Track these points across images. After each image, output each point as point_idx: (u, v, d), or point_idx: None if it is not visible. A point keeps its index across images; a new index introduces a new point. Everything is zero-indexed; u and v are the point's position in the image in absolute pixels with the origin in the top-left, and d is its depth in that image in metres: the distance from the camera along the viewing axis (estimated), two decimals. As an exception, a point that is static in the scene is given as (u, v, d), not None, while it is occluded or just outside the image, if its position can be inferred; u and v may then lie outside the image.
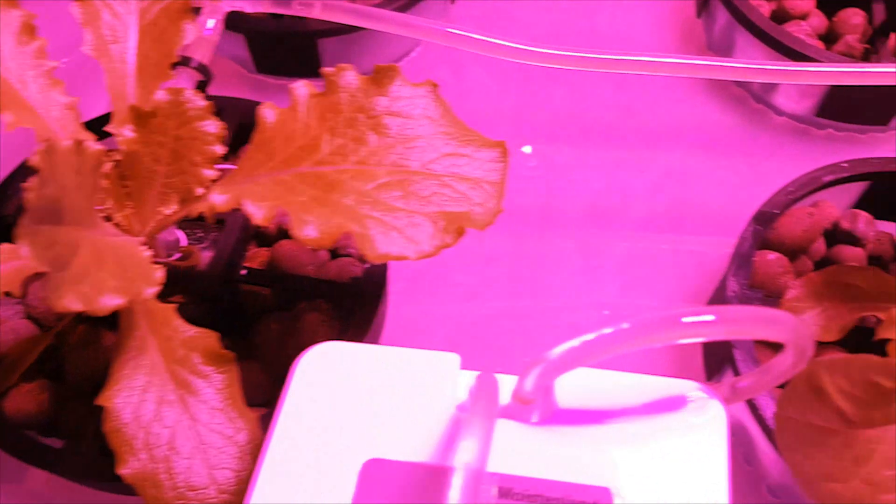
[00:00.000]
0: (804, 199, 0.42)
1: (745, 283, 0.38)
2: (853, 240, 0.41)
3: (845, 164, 0.42)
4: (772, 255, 0.39)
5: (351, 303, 0.38)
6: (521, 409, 0.27)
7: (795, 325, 0.25)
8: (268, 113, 0.30)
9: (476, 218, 0.29)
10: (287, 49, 0.52)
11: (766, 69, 0.43)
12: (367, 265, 0.40)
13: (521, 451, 0.26)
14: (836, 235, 0.42)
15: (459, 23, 0.59)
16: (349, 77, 0.30)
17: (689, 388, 0.27)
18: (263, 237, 0.42)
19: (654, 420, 0.27)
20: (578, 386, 0.27)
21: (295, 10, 0.38)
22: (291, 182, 0.29)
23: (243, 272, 0.39)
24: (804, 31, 0.50)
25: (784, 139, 0.53)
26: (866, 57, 0.50)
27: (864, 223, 0.41)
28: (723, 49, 0.55)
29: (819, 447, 0.28)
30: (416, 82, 0.30)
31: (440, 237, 0.28)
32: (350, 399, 0.27)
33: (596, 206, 0.51)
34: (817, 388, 0.27)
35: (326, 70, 0.30)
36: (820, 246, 0.42)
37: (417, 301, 0.47)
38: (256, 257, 0.41)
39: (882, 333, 0.29)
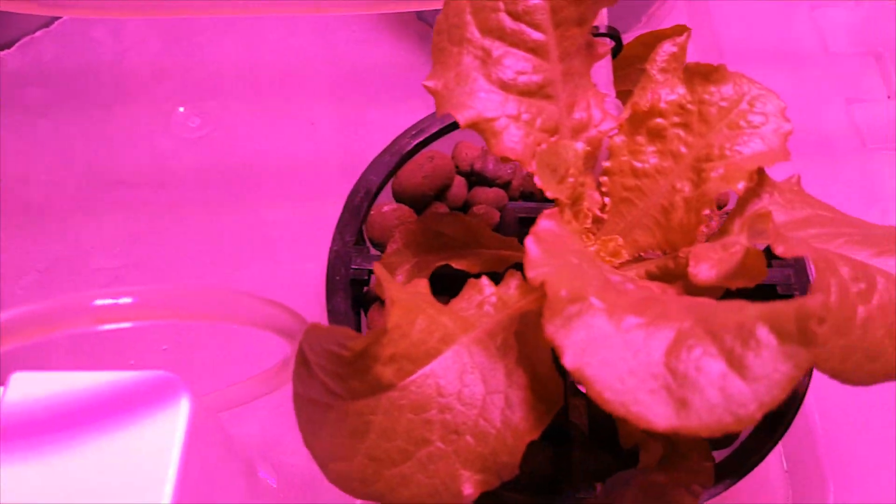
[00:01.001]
0: (438, 140, 0.39)
1: (351, 239, 0.35)
2: (486, 181, 0.39)
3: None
4: (387, 207, 0.36)
5: None
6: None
7: (228, 305, 0.22)
8: None
9: None
10: None
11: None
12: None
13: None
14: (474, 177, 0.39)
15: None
16: None
17: (157, 380, 0.24)
18: None
19: (109, 420, 0.23)
20: (30, 393, 0.24)
21: None
22: None
23: None
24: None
25: (470, 76, 0.50)
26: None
27: (493, 162, 0.39)
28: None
29: (322, 425, 0.25)
30: None
31: None
32: None
33: (255, 166, 0.47)
34: (305, 361, 0.24)
35: None
36: (460, 190, 0.39)
37: (48, 294, 0.42)
38: None
39: (381, 293, 0.26)
